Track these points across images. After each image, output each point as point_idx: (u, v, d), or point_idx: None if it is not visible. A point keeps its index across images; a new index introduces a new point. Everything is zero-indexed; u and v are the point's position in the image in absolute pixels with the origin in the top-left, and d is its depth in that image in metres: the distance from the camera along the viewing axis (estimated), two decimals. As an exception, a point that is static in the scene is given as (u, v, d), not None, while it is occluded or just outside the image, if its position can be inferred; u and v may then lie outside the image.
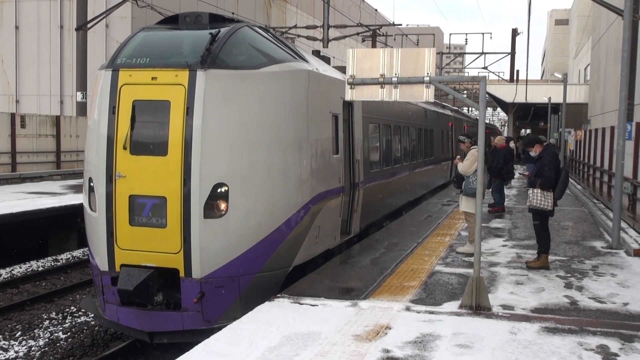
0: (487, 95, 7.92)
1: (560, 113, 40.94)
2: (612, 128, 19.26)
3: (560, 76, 43.53)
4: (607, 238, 12.84)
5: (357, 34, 32.59)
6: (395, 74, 7.60)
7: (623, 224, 13.24)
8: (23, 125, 21.66)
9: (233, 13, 30.21)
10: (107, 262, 8.03)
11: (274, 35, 9.67)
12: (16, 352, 9.36)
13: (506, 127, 75.61)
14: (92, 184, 8.19)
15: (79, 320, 10.83)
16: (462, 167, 10.92)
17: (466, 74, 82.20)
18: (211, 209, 7.78)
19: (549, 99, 43.08)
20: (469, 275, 8.25)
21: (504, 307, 7.68)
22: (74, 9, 27.68)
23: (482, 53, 44.71)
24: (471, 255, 9.89)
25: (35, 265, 14.84)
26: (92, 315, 10.18)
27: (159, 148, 7.83)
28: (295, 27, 28.63)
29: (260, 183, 8.16)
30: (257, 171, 8.13)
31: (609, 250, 11.62)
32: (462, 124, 29.22)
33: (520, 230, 13.77)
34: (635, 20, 14.11)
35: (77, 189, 18.90)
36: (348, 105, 11.11)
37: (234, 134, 7.97)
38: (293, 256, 8.83)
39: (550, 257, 10.21)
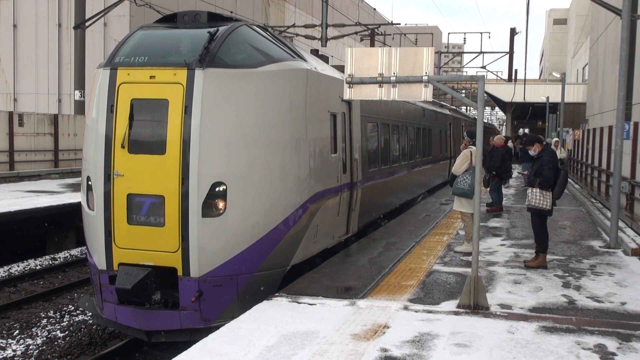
0: (485, 95, 7.91)
1: (558, 112, 41.01)
2: (610, 127, 19.29)
3: (558, 76, 43.62)
4: (605, 237, 12.86)
5: (356, 33, 32.57)
6: (394, 73, 7.60)
7: (621, 224, 13.26)
8: (21, 124, 21.64)
9: (231, 12, 30.22)
10: (105, 261, 8.03)
11: (273, 34, 9.66)
12: (14, 350, 9.35)
13: (504, 126, 75.68)
14: (90, 182, 8.18)
15: (77, 319, 10.82)
16: (454, 166, 11.08)
17: (464, 74, 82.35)
18: (209, 208, 7.78)
19: (547, 98, 43.19)
20: (467, 275, 8.26)
21: (502, 306, 7.69)
22: (72, 8, 27.66)
23: (481, 52, 44.76)
24: (469, 254, 9.91)
25: (33, 263, 14.82)
26: (90, 314, 10.18)
27: (157, 147, 7.83)
28: (293, 26, 28.62)
29: (259, 182, 8.16)
30: (256, 170, 8.13)
31: (606, 249, 11.63)
32: (461, 124, 29.22)
33: (518, 229, 13.78)
34: (633, 19, 14.11)
35: (75, 187, 18.88)
36: (346, 105, 11.11)
37: (232, 133, 7.96)
38: (291, 255, 8.83)
39: (548, 257, 10.22)
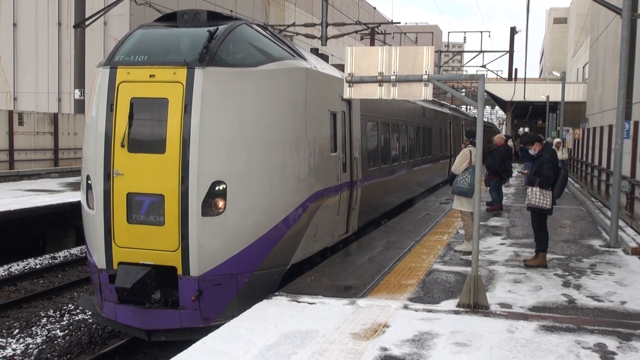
0: (485, 94, 7.91)
1: (558, 111, 41.00)
2: (610, 127, 19.28)
3: (558, 75, 43.58)
4: (605, 237, 12.85)
5: (356, 32, 32.55)
6: (394, 72, 7.59)
7: (621, 223, 13.25)
8: (21, 123, 21.64)
9: (231, 11, 30.21)
10: (104, 260, 8.02)
11: (272, 33, 9.66)
12: (14, 349, 9.35)
13: (504, 125, 75.68)
14: (89, 181, 8.18)
15: (77, 318, 10.82)
16: (453, 166, 11.10)
17: (464, 73, 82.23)
18: (209, 207, 7.77)
19: (547, 97, 43.16)
20: (466, 274, 8.26)
21: (502, 305, 7.68)
22: (72, 6, 27.66)
23: (481, 51, 44.76)
24: (469, 253, 9.90)
25: (32, 262, 14.82)
26: (90, 313, 10.18)
27: (157, 146, 7.82)
28: (293, 25, 28.56)
29: (258, 181, 8.15)
30: (255, 169, 8.13)
31: (606, 248, 11.62)
32: (461, 123, 29.22)
33: (518, 228, 13.78)
34: (633, 19, 14.11)
35: (74, 186, 18.88)
36: (346, 104, 11.11)
37: (232, 132, 7.96)
38: (291, 254, 8.83)
39: (548, 256, 10.21)
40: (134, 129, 7.92)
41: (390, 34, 44.28)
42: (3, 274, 13.73)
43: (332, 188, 10.06)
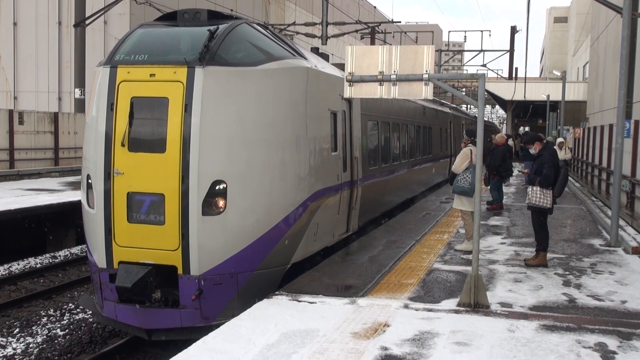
0: (485, 93, 7.91)
1: (558, 111, 41.00)
2: (611, 126, 19.28)
3: (559, 74, 43.56)
4: (605, 236, 12.85)
5: (356, 31, 32.54)
6: (394, 72, 7.59)
7: (621, 222, 13.24)
8: (21, 122, 21.63)
9: (232, 10, 30.21)
10: (105, 259, 8.03)
11: (273, 32, 9.66)
12: (14, 349, 9.35)
13: (505, 124, 75.66)
14: (90, 180, 8.18)
15: (77, 317, 10.82)
16: (454, 165, 11.10)
17: (465, 72, 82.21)
18: (209, 207, 7.77)
19: (548, 96, 43.15)
20: (467, 273, 8.26)
21: (502, 304, 7.68)
22: (72, 6, 27.66)
23: (481, 50, 44.76)
24: (469, 252, 9.90)
25: (33, 262, 14.82)
26: (90, 312, 10.18)
27: (157, 145, 7.82)
28: (293, 24, 28.55)
29: (259, 180, 8.15)
30: (256, 169, 8.12)
31: (607, 248, 11.62)
32: (461, 122, 29.20)
33: (519, 227, 13.78)
34: (634, 18, 14.10)
35: (75, 185, 18.88)
36: (347, 103, 11.10)
37: (233, 131, 7.96)
38: (291, 253, 8.83)
39: (549, 255, 10.21)
40: (134, 128, 7.91)
41: (391, 33, 44.29)
42: (3, 273, 13.73)
43: (332, 187, 10.06)
